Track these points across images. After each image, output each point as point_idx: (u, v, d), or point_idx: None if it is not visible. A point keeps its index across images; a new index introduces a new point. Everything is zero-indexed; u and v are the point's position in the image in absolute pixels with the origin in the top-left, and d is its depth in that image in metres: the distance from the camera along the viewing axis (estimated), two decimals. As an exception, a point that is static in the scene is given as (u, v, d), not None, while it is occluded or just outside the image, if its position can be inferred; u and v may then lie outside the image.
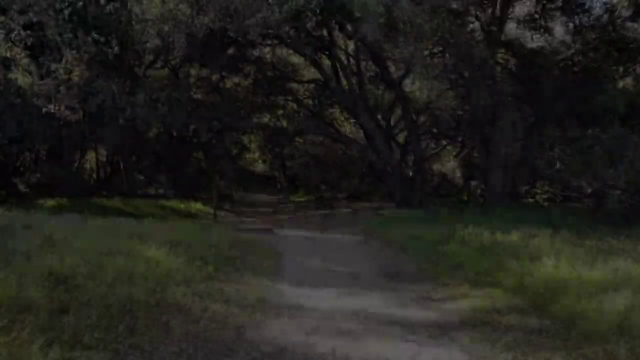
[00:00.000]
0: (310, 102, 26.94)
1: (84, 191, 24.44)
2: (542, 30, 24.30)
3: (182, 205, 22.02)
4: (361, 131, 28.47)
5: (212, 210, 23.46)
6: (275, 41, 23.68)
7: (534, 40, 26.01)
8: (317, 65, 21.82)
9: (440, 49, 18.58)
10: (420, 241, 10.96)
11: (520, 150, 20.02)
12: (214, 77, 28.75)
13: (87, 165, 35.16)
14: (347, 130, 34.83)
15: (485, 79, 17.77)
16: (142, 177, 32.93)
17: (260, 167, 49.49)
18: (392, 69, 24.75)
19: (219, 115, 25.60)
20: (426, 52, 17.56)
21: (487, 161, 19.48)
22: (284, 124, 32.27)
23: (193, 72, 31.54)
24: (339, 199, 31.15)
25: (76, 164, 32.65)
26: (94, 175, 34.42)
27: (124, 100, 15.87)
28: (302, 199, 34.91)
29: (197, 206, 22.53)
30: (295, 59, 29.24)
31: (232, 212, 23.55)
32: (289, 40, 20.40)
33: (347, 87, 22.26)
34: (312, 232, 13.56)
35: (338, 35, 27.22)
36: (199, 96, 29.30)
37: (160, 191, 34.93)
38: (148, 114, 15.64)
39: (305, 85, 26.67)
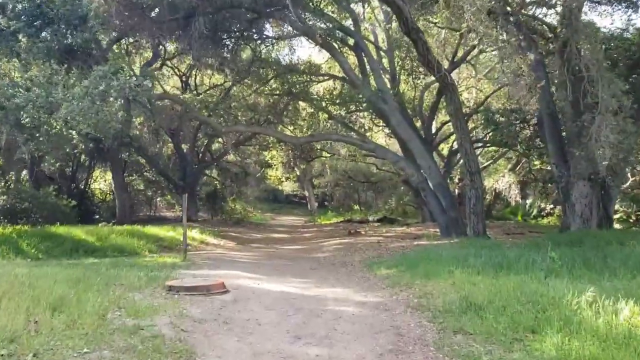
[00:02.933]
0: (335, 108, 21.57)
1: (70, 218, 20.19)
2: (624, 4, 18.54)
3: (170, 233, 17.18)
4: (396, 142, 23.17)
5: (209, 239, 18.56)
6: (293, 31, 18.80)
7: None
8: (337, 57, 16.67)
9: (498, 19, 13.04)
10: (490, 316, 5.49)
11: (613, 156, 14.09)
12: (227, 84, 24.06)
13: (95, 187, 31.25)
14: (379, 141, 29.52)
15: (566, 59, 12.10)
16: (144, 199, 28.58)
17: (288, 186, 44.65)
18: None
19: (235, 126, 20.70)
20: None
21: (566, 172, 13.68)
22: (306, 131, 27.38)
23: (206, 80, 27.18)
24: (369, 222, 25.66)
25: (79, 186, 28.68)
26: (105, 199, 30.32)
27: (59, 95, 11.18)
28: (329, 222, 29.59)
29: (189, 234, 17.63)
30: (318, 58, 24.34)
31: (234, 240, 18.52)
32: (298, 23, 15.37)
33: (377, 87, 17.00)
34: (303, 284, 8.25)
35: (365, 28, 22.24)
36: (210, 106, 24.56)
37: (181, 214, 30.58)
38: (87, 111, 10.82)
39: (329, 87, 21.53)
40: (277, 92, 19.57)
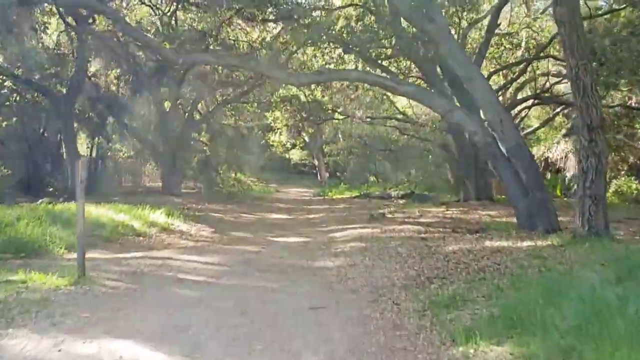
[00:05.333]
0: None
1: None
2: None
3: (120, 216, 11.67)
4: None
5: (178, 224, 13.03)
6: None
7: None
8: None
9: None
10: None
11: None
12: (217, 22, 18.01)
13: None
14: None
15: None
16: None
17: (297, 154, 38.89)
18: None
19: (197, 55, 14.79)
20: None
21: None
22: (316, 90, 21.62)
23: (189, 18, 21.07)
24: (392, 199, 19.99)
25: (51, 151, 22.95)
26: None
27: None
28: (342, 196, 24.00)
29: (148, 218, 12.12)
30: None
31: (212, 226, 13.00)
32: None
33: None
34: None
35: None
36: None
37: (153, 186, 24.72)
38: None
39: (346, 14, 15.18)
40: (272, 17, 13.29)
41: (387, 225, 11.28)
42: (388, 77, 10.21)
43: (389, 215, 13.26)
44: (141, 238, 10.62)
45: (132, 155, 24.70)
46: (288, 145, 27.84)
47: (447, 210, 14.40)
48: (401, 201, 18.68)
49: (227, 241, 10.42)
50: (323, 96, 24.10)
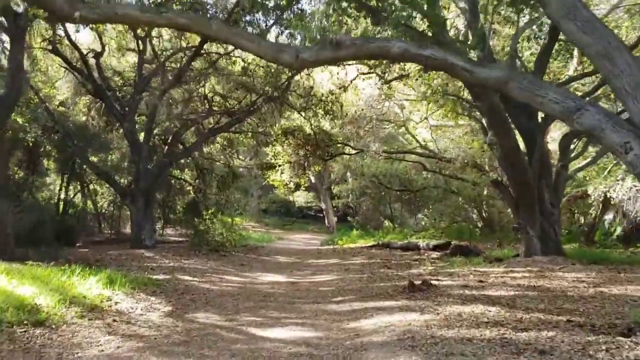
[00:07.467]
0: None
1: None
2: None
3: (19, 293, 7.35)
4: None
5: (119, 299, 8.60)
6: None
7: None
8: None
9: None
10: None
11: None
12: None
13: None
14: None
15: None
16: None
17: (302, 197, 34.51)
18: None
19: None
20: None
21: None
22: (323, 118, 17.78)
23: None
24: (421, 250, 15.52)
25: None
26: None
27: None
28: (355, 244, 19.54)
29: (73, 290, 7.79)
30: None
31: (174, 301, 8.59)
32: None
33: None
34: None
35: None
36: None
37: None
38: None
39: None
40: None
41: (443, 305, 6.84)
42: (449, 53, 5.83)
43: (435, 282, 8.80)
44: (38, 332, 6.17)
45: (108, 197, 20.61)
46: (291, 185, 23.68)
47: (511, 271, 9.94)
48: (434, 254, 14.23)
49: (178, 339, 5.98)
50: (332, 127, 20.24)
